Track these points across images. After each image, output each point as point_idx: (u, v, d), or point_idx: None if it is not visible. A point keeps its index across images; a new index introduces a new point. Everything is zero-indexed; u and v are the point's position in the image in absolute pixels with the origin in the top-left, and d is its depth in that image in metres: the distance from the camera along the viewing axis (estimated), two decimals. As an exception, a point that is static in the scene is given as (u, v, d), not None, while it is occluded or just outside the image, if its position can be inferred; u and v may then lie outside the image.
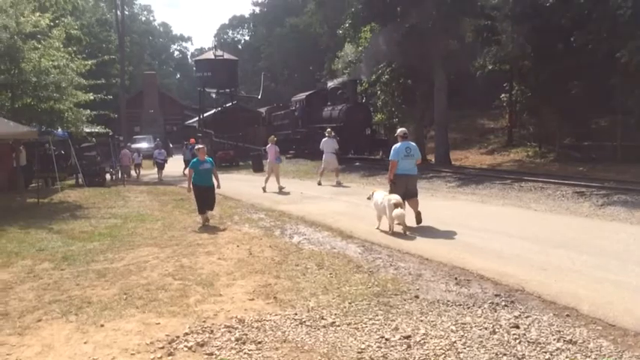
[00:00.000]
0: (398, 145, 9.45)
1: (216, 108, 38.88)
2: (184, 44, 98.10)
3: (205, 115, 37.52)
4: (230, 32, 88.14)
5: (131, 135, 40.19)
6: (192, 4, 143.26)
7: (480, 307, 5.05)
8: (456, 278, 6.03)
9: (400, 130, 9.86)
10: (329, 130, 17.92)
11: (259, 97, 44.62)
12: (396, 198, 8.63)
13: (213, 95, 46.58)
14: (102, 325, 4.81)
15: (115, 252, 8.11)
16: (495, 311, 4.94)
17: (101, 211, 12.85)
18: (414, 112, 27.83)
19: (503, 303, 5.15)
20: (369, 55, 26.33)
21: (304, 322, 4.76)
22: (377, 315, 4.89)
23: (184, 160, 23.45)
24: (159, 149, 23.79)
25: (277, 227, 10.02)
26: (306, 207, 12.47)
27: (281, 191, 15.69)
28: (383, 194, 9.10)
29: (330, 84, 29.88)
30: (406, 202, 9.10)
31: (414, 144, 9.68)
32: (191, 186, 10.66)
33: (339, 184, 16.54)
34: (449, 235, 8.57)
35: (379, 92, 29.38)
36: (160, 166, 23.01)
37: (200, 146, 11.22)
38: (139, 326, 4.78)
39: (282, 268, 6.80)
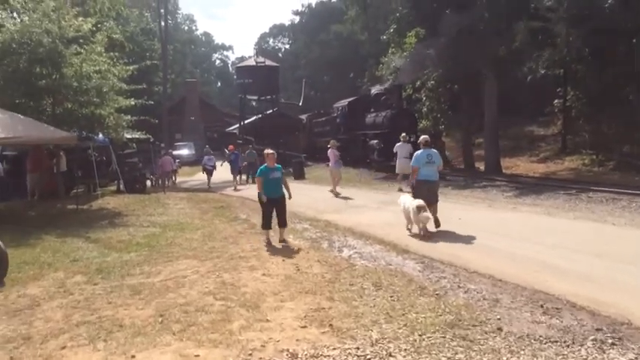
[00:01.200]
0: (419, 152, 9.72)
1: (257, 115, 38.57)
2: (225, 53, 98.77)
3: (246, 122, 37.22)
4: (271, 41, 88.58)
5: (172, 142, 40.27)
6: (233, 15, 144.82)
7: (581, 346, 4.15)
8: (542, 306, 5.13)
9: (422, 138, 10.13)
10: (404, 134, 17.25)
11: (300, 103, 44.13)
12: (419, 202, 8.86)
13: (254, 103, 46.52)
14: (133, 357, 4.14)
15: (152, 264, 7.51)
16: (603, 352, 4.04)
17: (140, 218, 12.38)
18: (461, 119, 26.80)
19: (609, 340, 4.24)
20: (414, 60, 25.40)
21: (369, 359, 3.97)
22: (457, 353, 4.06)
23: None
24: (208, 155, 23.19)
25: (324, 239, 9.28)
26: (352, 217, 11.70)
27: (337, 197, 15.53)
28: (409, 198, 9.40)
29: (374, 90, 29.02)
30: None
31: (435, 151, 9.91)
32: (263, 195, 9.02)
33: (401, 190, 15.82)
34: (519, 251, 7.62)
35: (424, 98, 28.43)
36: (209, 173, 22.52)
37: (270, 151, 9.39)
38: (174, 358, 4.09)
39: (335, 287, 6.03)
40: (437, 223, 9.43)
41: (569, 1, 22.90)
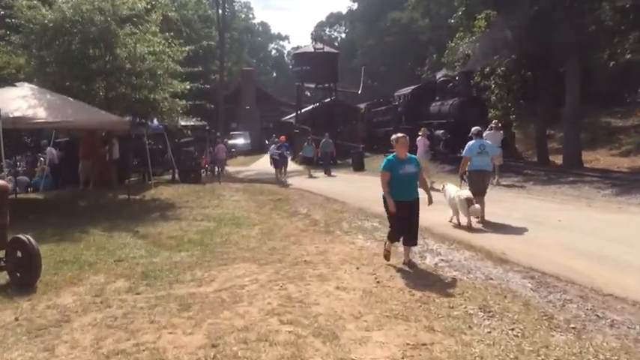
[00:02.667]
0: (472, 142, 9.56)
1: (314, 104, 37.39)
2: (281, 43, 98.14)
3: (302, 110, 36.13)
4: (327, 30, 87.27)
5: (228, 131, 39.73)
6: (290, 4, 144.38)
7: None
8: None
9: (474, 129, 9.92)
10: (495, 121, 15.85)
11: (359, 92, 42.56)
12: (466, 194, 8.75)
13: (308, 93, 45.35)
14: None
15: (204, 268, 6.44)
16: None
17: (193, 211, 11.43)
18: (535, 108, 24.68)
19: None
20: (485, 44, 23.46)
21: None
22: None
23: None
24: (276, 145, 21.67)
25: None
26: (426, 214, 10.21)
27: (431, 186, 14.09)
28: (455, 189, 9.23)
29: (439, 75, 27.19)
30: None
31: (488, 142, 10.12)
32: (391, 200, 6.41)
33: (498, 184, 14.40)
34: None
35: (493, 86, 26.44)
36: (277, 164, 21.12)
37: (400, 135, 6.67)
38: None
39: (431, 311, 4.73)
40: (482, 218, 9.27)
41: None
